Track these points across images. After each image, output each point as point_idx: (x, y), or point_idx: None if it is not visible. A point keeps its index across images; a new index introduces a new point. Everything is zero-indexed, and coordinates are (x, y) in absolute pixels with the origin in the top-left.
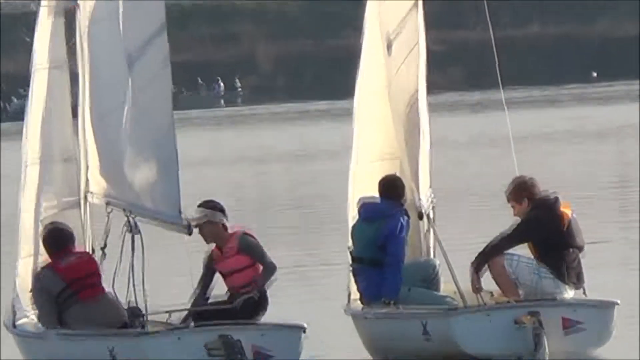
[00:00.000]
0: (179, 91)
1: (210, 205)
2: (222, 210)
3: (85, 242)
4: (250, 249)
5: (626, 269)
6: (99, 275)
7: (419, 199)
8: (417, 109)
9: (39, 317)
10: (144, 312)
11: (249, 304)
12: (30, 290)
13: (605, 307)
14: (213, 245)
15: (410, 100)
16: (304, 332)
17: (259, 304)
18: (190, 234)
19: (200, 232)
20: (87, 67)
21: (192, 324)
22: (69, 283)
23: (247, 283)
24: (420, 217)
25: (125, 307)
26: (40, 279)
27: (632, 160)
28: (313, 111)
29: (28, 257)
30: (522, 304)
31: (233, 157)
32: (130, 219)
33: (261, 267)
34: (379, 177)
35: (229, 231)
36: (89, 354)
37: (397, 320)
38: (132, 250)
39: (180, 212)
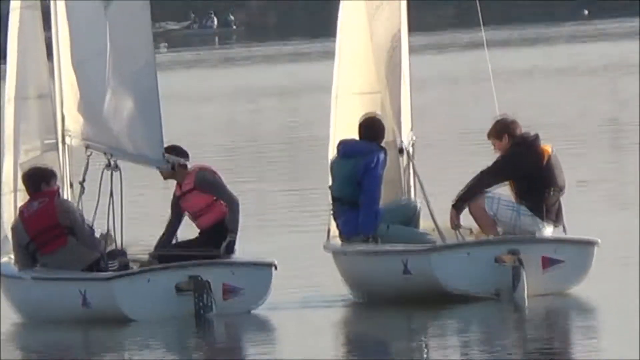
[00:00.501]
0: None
1: (172, 149)
2: (184, 154)
3: (63, 181)
4: (206, 184)
5: (614, 209)
6: (58, 227)
7: (400, 137)
8: (400, 48)
9: (15, 261)
10: (125, 252)
11: (231, 247)
12: (11, 237)
13: (585, 246)
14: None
15: (392, 39)
16: (275, 269)
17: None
18: (173, 169)
19: (159, 169)
20: (62, 10)
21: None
22: (32, 237)
23: (216, 222)
24: (401, 152)
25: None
26: (13, 228)
27: (626, 98)
28: (306, 52)
29: (9, 194)
30: (502, 241)
31: (226, 94)
32: (112, 160)
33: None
34: (360, 111)
35: (189, 169)
36: (61, 297)
37: (378, 257)
38: (111, 188)
39: (163, 155)
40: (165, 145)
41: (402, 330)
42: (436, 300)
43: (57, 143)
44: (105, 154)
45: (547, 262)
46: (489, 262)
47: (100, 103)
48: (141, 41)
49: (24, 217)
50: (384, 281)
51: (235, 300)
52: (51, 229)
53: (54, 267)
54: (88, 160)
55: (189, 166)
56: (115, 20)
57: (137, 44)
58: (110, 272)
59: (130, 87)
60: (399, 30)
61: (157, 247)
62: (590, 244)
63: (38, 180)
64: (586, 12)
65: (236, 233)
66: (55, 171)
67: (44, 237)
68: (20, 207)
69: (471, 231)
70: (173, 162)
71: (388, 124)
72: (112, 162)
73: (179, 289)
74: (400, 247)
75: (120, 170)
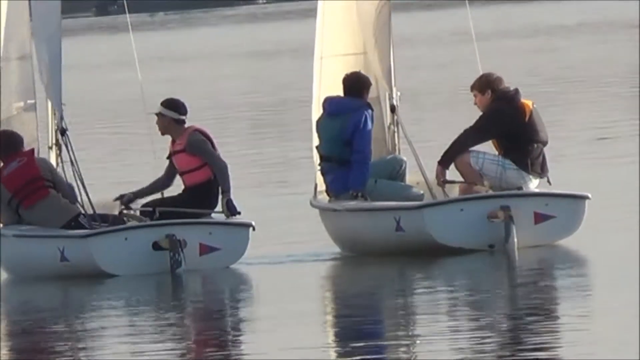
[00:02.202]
0: None
1: (166, 102)
2: (178, 108)
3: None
4: (198, 148)
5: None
6: (41, 179)
7: (391, 95)
8: (388, 6)
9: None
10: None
11: (230, 205)
12: None
13: (576, 201)
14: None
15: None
16: (253, 229)
17: (209, 203)
18: (62, 135)
19: (156, 123)
20: None
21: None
22: (13, 193)
23: (201, 182)
24: (393, 109)
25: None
26: None
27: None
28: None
29: None
30: (494, 196)
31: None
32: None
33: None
34: (344, 73)
35: (186, 127)
36: (41, 254)
37: (370, 215)
38: (68, 148)
39: (62, 117)
40: (166, 98)
41: (392, 283)
42: (428, 255)
43: (35, 103)
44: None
45: (539, 217)
46: (481, 217)
47: (40, 64)
48: (50, 8)
49: (3, 177)
50: (376, 238)
51: (211, 256)
52: (33, 181)
53: (36, 222)
54: (54, 120)
55: (183, 121)
56: None
57: (46, 11)
58: (88, 230)
59: (44, 51)
60: None
61: (145, 204)
62: (581, 198)
63: (17, 142)
64: None
65: (229, 193)
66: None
67: (26, 190)
68: None
69: (458, 184)
70: (62, 127)
71: (373, 81)
72: (60, 125)
73: (156, 247)
74: (392, 204)
75: (66, 133)
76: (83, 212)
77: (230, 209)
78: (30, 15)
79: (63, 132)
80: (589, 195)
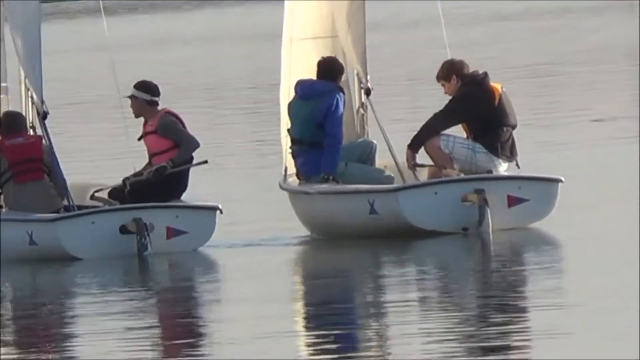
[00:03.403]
0: None
1: (138, 84)
2: (150, 90)
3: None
4: (169, 129)
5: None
6: (40, 161)
7: (366, 78)
8: None
9: None
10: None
11: (160, 174)
12: None
13: (549, 184)
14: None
15: None
16: (220, 212)
17: (178, 183)
18: (44, 119)
19: (131, 106)
20: None
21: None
22: (10, 164)
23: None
24: (368, 93)
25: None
26: None
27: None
28: None
29: None
30: (468, 179)
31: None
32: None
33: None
34: (314, 56)
35: (158, 109)
36: (10, 238)
37: (343, 197)
38: (44, 132)
39: (42, 100)
40: (139, 80)
41: (364, 265)
42: (402, 237)
43: (6, 87)
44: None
45: (513, 200)
46: (455, 200)
47: (16, 47)
48: None
49: (5, 145)
50: (349, 221)
51: (179, 239)
52: (33, 161)
53: (20, 201)
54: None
55: (156, 103)
56: None
57: None
58: (55, 214)
59: (22, 36)
60: None
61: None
62: (553, 181)
63: (22, 122)
64: None
65: (175, 164)
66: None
67: (24, 166)
68: None
69: (427, 168)
70: (45, 112)
71: (345, 64)
72: (40, 110)
73: (123, 230)
74: (366, 187)
75: (44, 115)
76: (67, 204)
77: (157, 174)
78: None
79: (45, 115)
80: (562, 179)
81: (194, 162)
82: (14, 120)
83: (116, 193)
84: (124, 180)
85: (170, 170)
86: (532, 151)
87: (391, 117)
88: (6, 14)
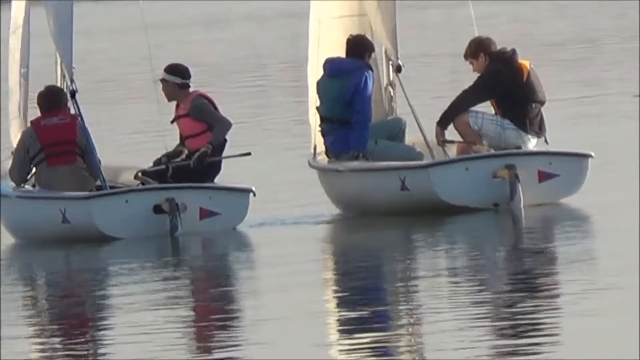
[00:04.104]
0: None
1: (169, 67)
2: (180, 73)
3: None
4: (201, 112)
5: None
6: (74, 144)
7: (396, 55)
8: None
9: (10, 171)
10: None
11: (203, 159)
12: (17, 144)
13: (579, 159)
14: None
15: None
16: (253, 194)
17: (212, 166)
18: (72, 97)
19: (162, 90)
20: None
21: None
22: (43, 146)
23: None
24: (399, 69)
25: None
26: (24, 134)
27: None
28: None
29: (16, 119)
30: (499, 155)
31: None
32: (70, 86)
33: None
34: (342, 34)
35: (190, 91)
36: (43, 215)
37: (374, 174)
38: (77, 111)
39: (72, 79)
40: (169, 63)
41: (397, 242)
42: (434, 213)
43: (27, 72)
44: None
45: (543, 176)
46: (486, 176)
47: (50, 26)
48: None
49: (40, 125)
50: (380, 198)
51: (211, 220)
52: (67, 143)
53: (52, 182)
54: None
55: (187, 86)
56: None
57: None
58: (88, 192)
59: (53, 15)
60: None
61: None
62: (584, 156)
63: (63, 98)
64: None
65: (213, 146)
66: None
67: (57, 148)
68: (32, 120)
69: (456, 144)
70: (72, 90)
71: (375, 42)
72: (71, 88)
73: (157, 210)
74: (397, 163)
75: (75, 96)
76: (100, 185)
77: (199, 161)
78: None
79: (73, 94)
80: (592, 154)
81: (237, 153)
82: (52, 98)
83: (158, 175)
84: (165, 163)
85: (211, 159)
86: (571, 126)
87: (423, 96)
88: None
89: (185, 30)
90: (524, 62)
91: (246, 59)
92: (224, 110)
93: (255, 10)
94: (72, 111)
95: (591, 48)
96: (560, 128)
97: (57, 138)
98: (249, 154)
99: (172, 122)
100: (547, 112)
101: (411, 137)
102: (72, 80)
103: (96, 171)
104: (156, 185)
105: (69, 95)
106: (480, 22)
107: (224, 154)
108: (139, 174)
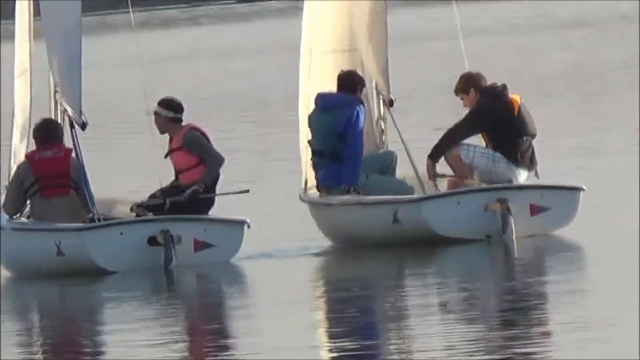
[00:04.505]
0: None
1: (162, 101)
2: (172, 107)
3: None
4: (194, 145)
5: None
6: (67, 177)
7: (388, 90)
8: (384, 3)
9: (4, 204)
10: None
11: (195, 196)
12: (11, 176)
13: (570, 192)
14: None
15: None
16: (248, 226)
17: (206, 198)
18: (82, 129)
19: (155, 122)
20: None
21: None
22: (37, 178)
23: (196, 180)
24: (391, 104)
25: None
26: (19, 167)
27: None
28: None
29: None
30: (491, 189)
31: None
32: (70, 117)
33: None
34: (332, 69)
35: (183, 125)
36: (38, 247)
37: (366, 207)
38: (74, 144)
39: (80, 111)
40: (162, 97)
41: (387, 274)
42: (425, 246)
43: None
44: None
45: (535, 209)
46: (479, 209)
47: (50, 59)
48: (70, 5)
49: (35, 159)
50: (372, 231)
51: (206, 252)
52: (60, 177)
53: (45, 214)
54: (64, 115)
55: (180, 120)
56: None
57: (66, 8)
58: (84, 224)
59: (60, 48)
60: None
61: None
62: (575, 190)
63: (59, 131)
64: None
65: (205, 184)
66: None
67: (50, 181)
68: (27, 153)
69: (447, 177)
70: (84, 122)
71: (367, 77)
72: (70, 119)
73: (152, 242)
74: (389, 197)
75: (75, 128)
76: (93, 216)
77: (191, 199)
78: (39, 13)
79: (84, 126)
80: (584, 187)
81: (236, 190)
82: (48, 132)
83: (155, 208)
84: (159, 196)
85: (206, 195)
86: (571, 158)
87: (411, 128)
88: (42, 26)
89: (190, 63)
90: (515, 96)
91: (249, 91)
92: (223, 140)
93: (260, 43)
94: (72, 142)
95: (594, 79)
96: (558, 160)
97: (51, 171)
98: (247, 191)
99: (165, 156)
100: (546, 143)
101: (402, 171)
102: (80, 113)
103: (88, 204)
104: (151, 217)
105: (72, 130)
106: (482, 55)
107: (219, 188)
108: (135, 207)
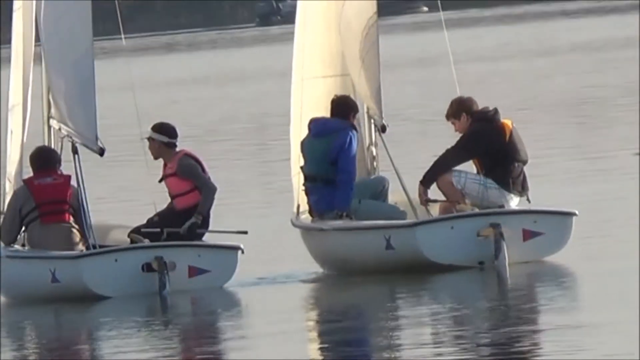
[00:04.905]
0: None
1: (156, 126)
2: (167, 132)
3: None
4: (188, 171)
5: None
6: (66, 203)
7: (381, 115)
8: (376, 27)
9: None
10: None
11: (193, 230)
12: (7, 204)
13: (563, 218)
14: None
15: (368, 22)
16: (241, 252)
17: (201, 225)
18: (101, 155)
19: (149, 148)
20: None
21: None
22: (37, 204)
23: (190, 206)
24: (384, 129)
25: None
26: (16, 193)
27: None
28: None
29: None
30: (484, 214)
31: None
32: (72, 142)
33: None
34: (324, 94)
35: (177, 150)
36: (33, 275)
37: (359, 233)
38: (76, 170)
39: (96, 137)
40: (157, 122)
41: (381, 300)
42: (418, 272)
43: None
44: (65, 136)
45: (528, 234)
46: (472, 234)
47: (55, 85)
48: (81, 30)
49: (34, 184)
50: (365, 257)
51: (200, 278)
52: (60, 203)
53: (44, 241)
54: (62, 142)
55: (174, 144)
56: (52, 6)
57: (77, 32)
58: (78, 252)
59: (71, 73)
60: (375, 13)
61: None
62: (568, 215)
63: (55, 159)
64: None
65: (203, 216)
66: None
67: (51, 207)
68: (25, 179)
69: (439, 203)
70: (102, 147)
71: (359, 102)
72: (73, 145)
73: (147, 268)
74: (382, 222)
75: (78, 154)
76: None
77: (190, 232)
78: (38, 40)
79: (102, 152)
80: (576, 212)
81: (235, 229)
82: (45, 158)
83: (152, 236)
84: (156, 222)
85: (202, 230)
86: (571, 183)
87: (403, 156)
88: (47, 52)
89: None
90: (506, 121)
91: (251, 115)
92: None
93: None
94: (75, 169)
95: (593, 104)
96: (557, 185)
97: (52, 197)
98: (245, 232)
99: (160, 181)
100: (545, 167)
101: (392, 196)
102: (96, 139)
103: (86, 231)
104: (145, 243)
105: (75, 155)
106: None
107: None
108: (131, 233)
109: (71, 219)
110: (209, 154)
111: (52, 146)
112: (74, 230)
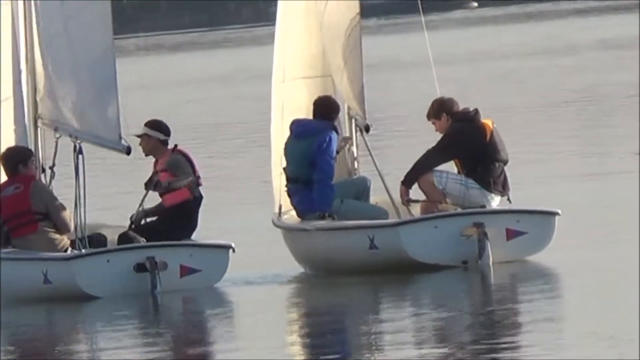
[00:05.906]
0: None
1: (151, 123)
2: (163, 130)
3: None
4: (176, 168)
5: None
6: (29, 213)
7: (364, 116)
8: (359, 28)
9: None
10: (103, 238)
11: (158, 187)
12: None
13: (546, 217)
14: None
15: (351, 22)
16: (233, 251)
17: (189, 222)
18: (128, 154)
19: (140, 144)
20: None
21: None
22: (5, 220)
23: (181, 202)
24: (367, 129)
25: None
26: None
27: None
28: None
29: None
30: (468, 214)
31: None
32: (76, 143)
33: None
34: (306, 95)
35: (169, 147)
36: (25, 277)
37: (342, 233)
38: (76, 170)
39: (120, 137)
40: (150, 119)
41: (365, 301)
42: (402, 272)
43: (29, 127)
44: (70, 137)
45: (511, 233)
46: (455, 234)
47: (63, 85)
48: (99, 31)
49: (1, 198)
50: (349, 257)
51: (192, 277)
52: (23, 215)
53: (30, 249)
54: (57, 143)
55: (167, 142)
56: (68, 5)
57: (94, 33)
58: (70, 253)
59: (87, 74)
60: (358, 14)
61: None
62: (551, 214)
63: (14, 161)
64: None
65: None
66: (31, 150)
67: (16, 221)
68: None
69: (420, 203)
70: (129, 146)
71: (340, 103)
72: (77, 146)
73: (140, 268)
74: (365, 222)
75: (83, 154)
76: (77, 237)
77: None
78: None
79: (129, 151)
80: (559, 212)
81: (222, 242)
82: (8, 163)
83: (146, 230)
84: (140, 214)
85: (192, 242)
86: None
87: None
88: (46, 54)
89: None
90: (487, 121)
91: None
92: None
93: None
94: (75, 169)
95: (594, 103)
96: (556, 184)
97: (15, 210)
98: (231, 247)
99: (152, 176)
100: (547, 165)
101: (374, 197)
102: (120, 137)
103: (65, 227)
104: (136, 244)
105: (76, 154)
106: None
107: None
108: (125, 233)
109: (40, 225)
110: (215, 152)
111: (40, 146)
112: (49, 235)
